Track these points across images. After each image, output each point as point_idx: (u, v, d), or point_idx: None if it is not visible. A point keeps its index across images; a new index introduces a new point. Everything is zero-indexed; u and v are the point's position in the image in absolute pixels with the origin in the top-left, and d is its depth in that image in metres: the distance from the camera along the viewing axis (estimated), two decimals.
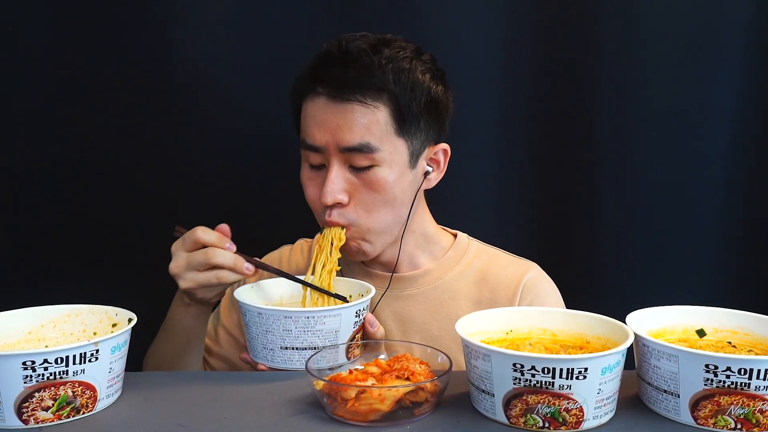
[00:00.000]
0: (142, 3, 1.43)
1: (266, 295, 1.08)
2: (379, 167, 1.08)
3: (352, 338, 0.97)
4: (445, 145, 1.17)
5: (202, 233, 1.01)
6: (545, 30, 1.47)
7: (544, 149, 1.51)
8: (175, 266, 1.01)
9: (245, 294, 1.02)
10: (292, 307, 1.04)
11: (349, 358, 0.96)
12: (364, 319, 1.00)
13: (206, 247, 1.00)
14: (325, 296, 1.06)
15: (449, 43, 1.44)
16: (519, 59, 1.48)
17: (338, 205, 1.09)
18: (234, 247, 1.02)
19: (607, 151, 1.49)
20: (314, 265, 1.10)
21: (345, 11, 1.45)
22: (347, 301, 1.05)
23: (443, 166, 1.19)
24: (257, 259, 1.04)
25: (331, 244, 1.10)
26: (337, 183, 1.08)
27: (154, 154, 1.48)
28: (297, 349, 0.94)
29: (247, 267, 1.01)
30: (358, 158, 1.07)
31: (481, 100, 1.48)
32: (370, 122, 1.06)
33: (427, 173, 1.16)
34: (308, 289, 1.07)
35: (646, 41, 1.45)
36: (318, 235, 1.33)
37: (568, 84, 1.48)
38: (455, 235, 1.28)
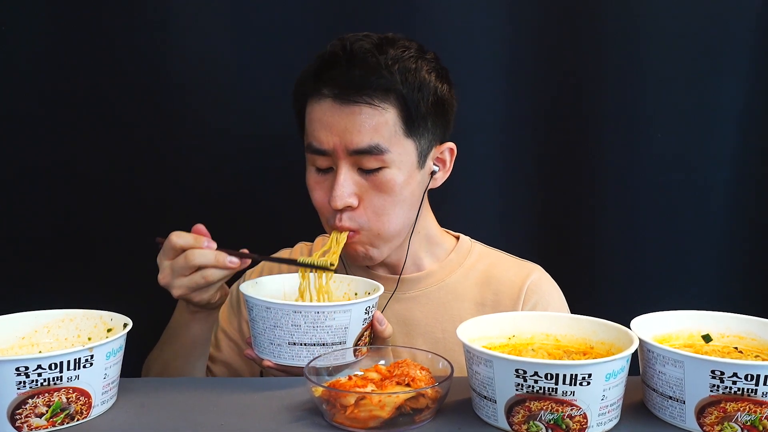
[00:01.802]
0: (136, 5, 1.43)
1: (269, 291, 1.07)
2: (388, 169, 1.09)
3: (361, 335, 0.98)
4: (451, 144, 1.18)
5: (177, 238, 1.01)
6: (550, 31, 1.47)
7: (548, 151, 1.51)
8: (162, 277, 1.02)
9: (251, 289, 1.02)
10: (301, 302, 1.04)
11: (356, 356, 0.95)
12: (372, 316, 1.00)
13: (186, 251, 1.00)
14: (328, 295, 1.07)
15: (453, 44, 1.44)
16: (523, 60, 1.48)
17: (348, 208, 1.09)
18: (214, 245, 1.01)
19: (612, 153, 1.49)
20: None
21: (346, 11, 1.45)
22: (331, 269, 1.05)
23: (449, 166, 1.20)
24: (246, 250, 1.03)
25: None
26: (346, 186, 1.08)
27: (149, 157, 1.48)
28: (305, 345, 0.94)
29: (231, 260, 1.00)
30: (368, 160, 1.07)
31: (485, 101, 1.48)
32: (379, 123, 1.07)
33: (433, 173, 1.17)
34: (309, 282, 1.07)
35: (652, 41, 1.45)
36: (318, 238, 1.34)
37: (573, 85, 1.48)
38: (457, 238, 1.29)
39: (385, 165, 1.08)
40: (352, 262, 1.18)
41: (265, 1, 1.45)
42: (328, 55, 1.09)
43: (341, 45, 1.08)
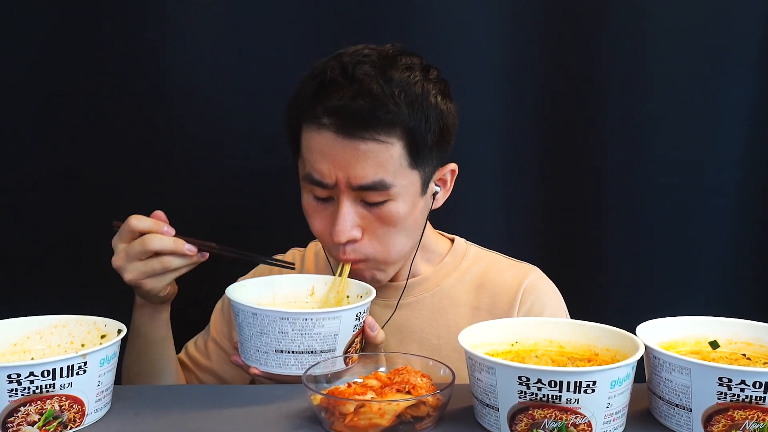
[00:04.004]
0: (134, 6, 1.43)
1: (259, 294, 1.07)
2: (392, 202, 1.07)
3: (352, 342, 0.97)
4: (453, 166, 1.16)
5: (136, 221, 1.01)
6: (552, 30, 1.47)
7: (552, 153, 1.51)
8: (116, 259, 1.02)
9: (237, 293, 1.01)
10: (289, 308, 1.04)
11: (347, 364, 0.95)
12: (364, 322, 1.00)
13: (143, 235, 1.01)
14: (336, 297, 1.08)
15: (453, 44, 1.45)
16: (525, 60, 1.48)
17: (352, 241, 1.08)
18: (173, 231, 1.01)
19: (616, 155, 1.50)
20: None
21: (346, 11, 1.45)
22: (291, 267, 1.07)
23: (450, 186, 1.18)
24: (214, 244, 1.03)
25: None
26: (349, 220, 1.06)
27: (144, 161, 1.48)
28: (293, 352, 0.93)
29: (188, 248, 1.00)
30: (372, 195, 1.05)
31: (485, 102, 1.48)
32: (384, 159, 1.03)
33: (435, 193, 1.16)
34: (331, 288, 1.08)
35: (657, 41, 1.45)
36: (311, 244, 1.34)
37: (577, 87, 1.48)
38: (452, 240, 1.28)
39: (390, 198, 1.06)
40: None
41: (264, 1, 1.45)
42: (329, 80, 1.03)
43: (340, 67, 1.03)
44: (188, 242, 1.01)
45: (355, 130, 1.02)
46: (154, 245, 0.99)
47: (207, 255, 1.03)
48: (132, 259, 1.01)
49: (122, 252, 1.01)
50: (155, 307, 1.11)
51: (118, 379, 0.96)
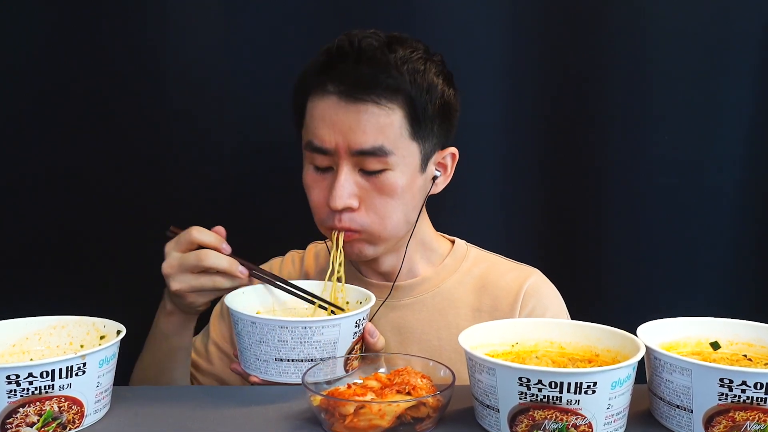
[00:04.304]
0: (134, 6, 1.43)
1: (258, 302, 1.07)
2: (391, 171, 1.08)
3: (351, 349, 0.97)
4: (453, 149, 1.18)
5: (198, 233, 1.02)
6: (552, 30, 1.47)
7: (552, 154, 1.51)
8: (167, 266, 1.02)
9: (236, 301, 1.01)
10: (288, 317, 1.04)
11: (347, 371, 0.95)
12: (363, 329, 1.00)
13: (201, 248, 1.01)
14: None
15: (453, 44, 1.44)
16: (526, 60, 1.48)
17: (348, 209, 1.08)
18: (229, 249, 1.02)
19: (617, 155, 1.49)
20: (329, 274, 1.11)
21: (346, 11, 1.45)
22: (342, 309, 1.06)
23: (450, 171, 1.19)
24: (255, 265, 1.04)
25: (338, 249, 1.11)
26: (347, 187, 1.07)
27: (144, 162, 1.48)
28: (293, 360, 0.93)
29: (241, 270, 1.02)
30: (371, 162, 1.07)
31: (485, 102, 1.48)
32: (385, 124, 1.06)
33: (435, 178, 1.16)
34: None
35: (657, 41, 1.45)
36: (311, 245, 1.34)
37: (577, 87, 1.48)
38: (453, 242, 1.28)
39: (388, 167, 1.08)
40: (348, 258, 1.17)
41: (264, 1, 1.45)
42: (336, 49, 1.07)
43: (348, 40, 1.07)
44: (242, 264, 1.02)
45: (357, 93, 1.05)
46: (209, 261, 1.00)
47: (256, 282, 1.05)
48: (184, 270, 1.01)
49: (175, 260, 1.01)
50: (187, 316, 1.11)
51: (124, 381, 0.96)
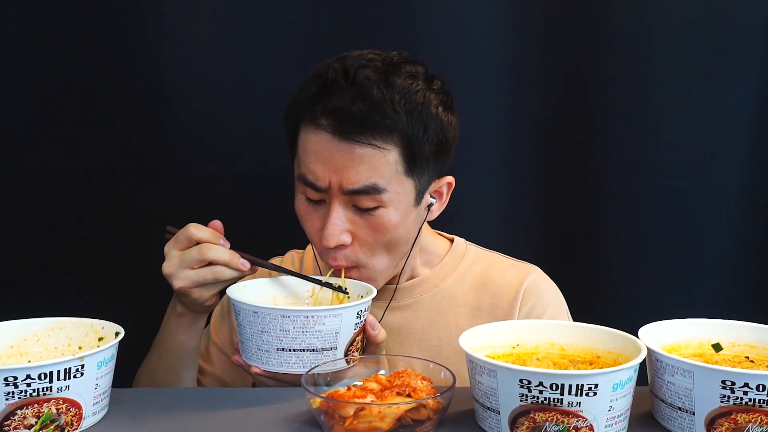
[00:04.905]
0: (133, 6, 1.43)
1: (260, 294, 1.07)
2: (384, 208, 1.06)
3: (353, 341, 0.97)
4: (450, 179, 1.16)
5: (195, 230, 1.02)
6: (554, 31, 1.47)
7: (553, 155, 1.51)
8: (168, 265, 1.02)
9: (238, 292, 1.01)
10: (290, 306, 1.04)
11: (348, 363, 0.95)
12: (365, 321, 1.00)
13: (199, 243, 1.01)
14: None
15: (454, 44, 1.45)
16: (527, 61, 1.49)
17: (341, 246, 1.07)
18: (228, 244, 1.02)
19: (618, 156, 1.50)
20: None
21: (348, 12, 1.45)
22: (346, 292, 1.06)
23: (446, 199, 1.17)
24: (267, 262, 1.04)
25: None
26: (339, 225, 1.05)
27: (142, 163, 1.49)
28: (294, 350, 0.93)
29: (243, 263, 1.01)
30: (363, 200, 1.05)
31: (486, 103, 1.48)
32: (379, 164, 1.03)
33: (430, 205, 1.15)
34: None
35: (659, 41, 1.45)
36: (311, 245, 1.33)
37: (578, 86, 1.49)
38: (452, 240, 1.28)
39: (382, 204, 1.05)
40: None
41: (263, 1, 1.45)
42: (330, 81, 1.03)
43: (343, 70, 1.03)
44: (243, 257, 1.02)
45: (352, 133, 1.02)
46: (210, 255, 1.00)
47: (258, 269, 1.04)
48: (185, 267, 1.01)
49: (176, 258, 1.01)
50: (195, 316, 1.11)
51: (122, 382, 0.96)
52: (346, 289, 1.07)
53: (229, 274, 1.01)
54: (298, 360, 0.94)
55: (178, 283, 1.01)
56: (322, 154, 1.04)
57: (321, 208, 1.09)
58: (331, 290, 1.08)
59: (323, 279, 1.08)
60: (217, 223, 1.05)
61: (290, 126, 1.10)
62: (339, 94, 1.02)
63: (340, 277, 1.09)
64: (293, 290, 1.10)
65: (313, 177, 1.05)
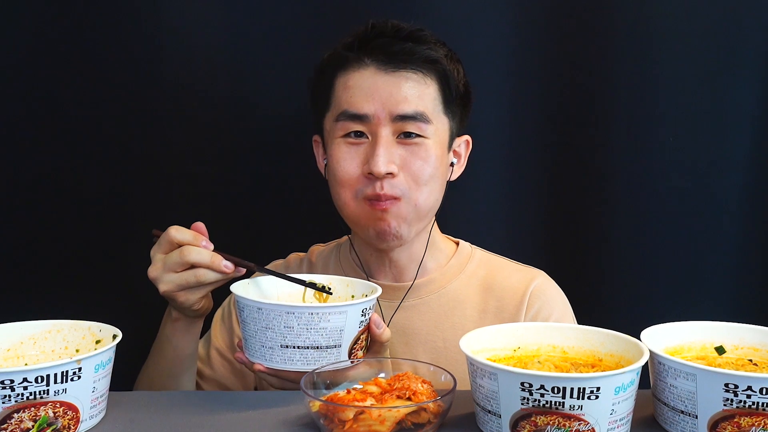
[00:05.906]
0: (133, 7, 1.43)
1: (263, 292, 1.07)
2: (428, 140, 1.13)
3: (357, 339, 0.97)
4: (467, 137, 1.24)
5: (176, 232, 1.01)
6: (557, 31, 1.47)
7: (556, 156, 1.51)
8: (152, 270, 1.02)
9: (242, 290, 1.01)
10: (294, 303, 1.04)
11: (352, 361, 0.95)
12: (369, 319, 1.00)
13: (182, 246, 1.01)
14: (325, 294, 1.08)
15: (456, 44, 1.43)
16: (530, 61, 1.49)
17: (389, 175, 1.11)
18: (211, 246, 1.02)
19: (621, 157, 1.50)
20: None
21: (346, 11, 1.45)
22: (330, 293, 1.07)
23: (464, 160, 1.25)
24: (253, 264, 1.04)
25: None
26: (387, 152, 1.10)
27: (139, 165, 1.48)
28: (298, 347, 0.93)
29: (226, 265, 1.00)
30: (411, 126, 1.11)
31: (489, 103, 1.48)
32: (423, 93, 1.12)
33: (452, 164, 1.21)
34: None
35: (663, 42, 1.45)
36: (314, 247, 1.34)
37: (581, 86, 1.48)
38: (457, 243, 1.30)
39: (426, 136, 1.12)
40: (377, 245, 1.17)
41: (263, 0, 1.45)
42: (371, 28, 1.14)
43: (379, 22, 1.14)
44: (227, 259, 1.01)
45: (398, 64, 1.11)
46: (191, 257, 1.00)
47: (243, 270, 1.04)
48: (168, 270, 1.01)
49: (159, 262, 1.01)
50: (190, 320, 1.11)
51: (120, 386, 0.96)
52: (330, 289, 1.07)
53: (212, 276, 1.01)
54: (302, 357, 0.93)
55: (162, 287, 1.01)
56: (367, 87, 1.11)
57: (362, 147, 1.13)
58: (330, 284, 1.08)
59: (307, 280, 1.07)
60: (199, 225, 1.04)
61: (325, 79, 1.16)
62: (379, 36, 1.13)
63: (317, 283, 1.08)
64: (296, 290, 1.09)
65: (356, 108, 1.11)
